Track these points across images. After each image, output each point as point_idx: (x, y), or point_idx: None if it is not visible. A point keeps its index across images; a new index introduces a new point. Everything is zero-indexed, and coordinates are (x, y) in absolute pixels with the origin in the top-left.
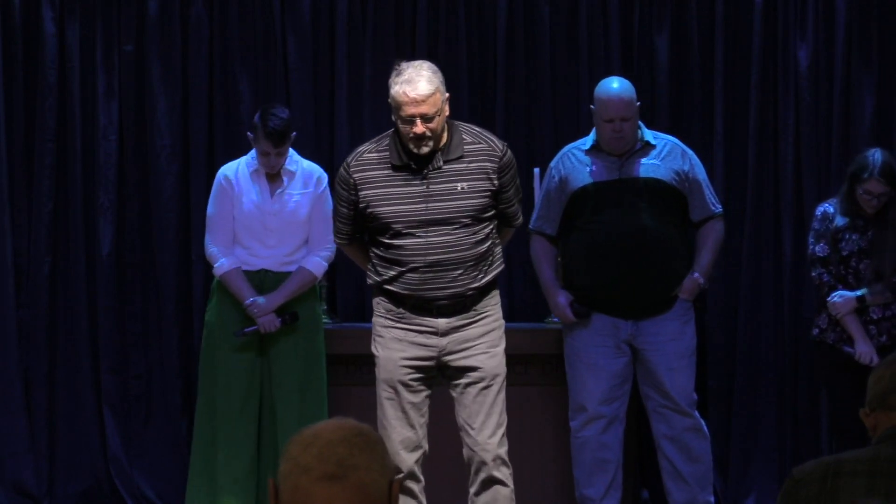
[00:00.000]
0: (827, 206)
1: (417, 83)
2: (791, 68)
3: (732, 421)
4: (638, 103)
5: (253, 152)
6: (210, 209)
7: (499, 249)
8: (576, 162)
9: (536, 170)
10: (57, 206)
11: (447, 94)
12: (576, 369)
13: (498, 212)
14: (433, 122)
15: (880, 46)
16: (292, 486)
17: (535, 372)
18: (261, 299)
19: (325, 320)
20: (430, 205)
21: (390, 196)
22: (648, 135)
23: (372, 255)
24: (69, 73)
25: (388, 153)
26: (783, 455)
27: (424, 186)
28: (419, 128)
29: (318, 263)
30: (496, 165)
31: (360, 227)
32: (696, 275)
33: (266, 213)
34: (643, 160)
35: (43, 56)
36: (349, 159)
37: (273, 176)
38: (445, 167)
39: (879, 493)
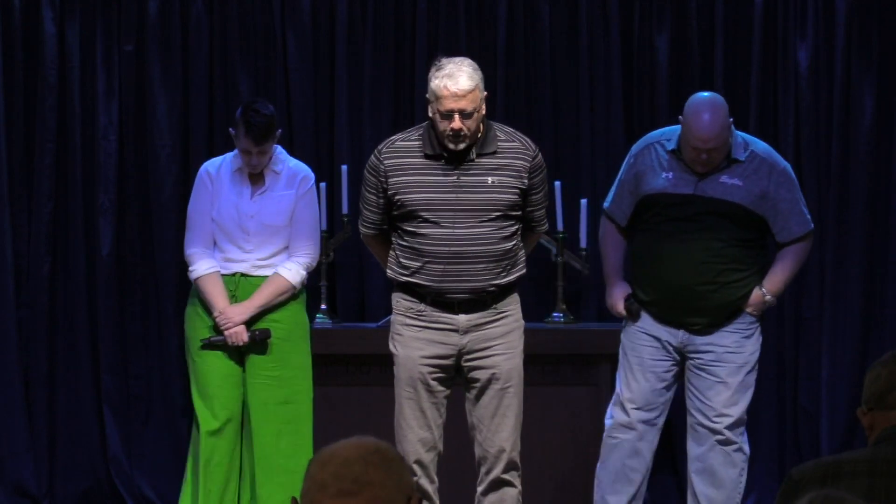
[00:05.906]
0: None
1: (458, 78)
2: (791, 68)
3: None
4: (731, 119)
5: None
6: (190, 205)
7: (522, 253)
8: (655, 161)
9: (557, 183)
10: (57, 207)
11: (485, 93)
12: (625, 364)
13: (524, 214)
14: (471, 118)
15: (880, 46)
16: (309, 502)
17: (534, 372)
18: (231, 310)
19: (324, 320)
20: (459, 195)
21: (420, 184)
22: (738, 150)
23: (395, 246)
24: (69, 73)
25: (420, 143)
26: (783, 455)
27: (455, 177)
28: (457, 123)
29: (295, 271)
30: (528, 165)
31: (385, 218)
32: (763, 290)
33: (243, 215)
34: (723, 178)
35: (43, 56)
36: (380, 146)
37: (256, 176)
38: (478, 160)
39: (880, 494)
